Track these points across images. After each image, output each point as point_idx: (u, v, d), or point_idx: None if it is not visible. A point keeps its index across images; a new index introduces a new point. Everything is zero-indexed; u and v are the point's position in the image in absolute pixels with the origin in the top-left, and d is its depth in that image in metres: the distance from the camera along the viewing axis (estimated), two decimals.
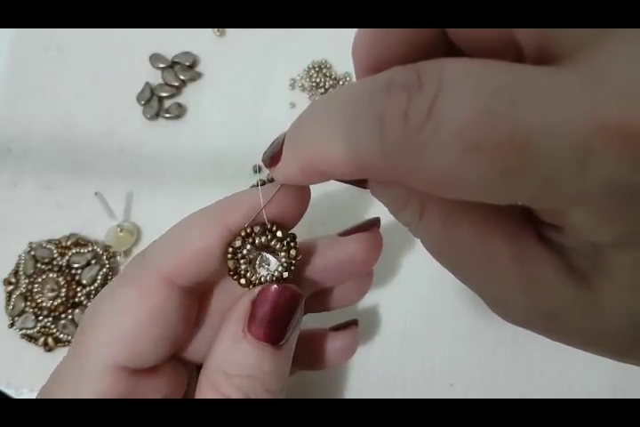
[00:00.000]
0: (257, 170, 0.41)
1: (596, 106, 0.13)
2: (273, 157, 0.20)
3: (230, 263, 0.23)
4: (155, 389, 0.23)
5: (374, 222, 0.26)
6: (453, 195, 0.15)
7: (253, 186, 0.41)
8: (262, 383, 0.22)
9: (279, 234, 0.22)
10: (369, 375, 0.36)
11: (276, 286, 0.22)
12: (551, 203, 0.14)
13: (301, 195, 0.23)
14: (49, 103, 0.44)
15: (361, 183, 0.20)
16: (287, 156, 0.19)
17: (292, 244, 0.23)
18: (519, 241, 0.17)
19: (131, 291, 0.23)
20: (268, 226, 0.22)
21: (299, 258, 0.23)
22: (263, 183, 0.40)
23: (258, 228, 0.22)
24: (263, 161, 0.21)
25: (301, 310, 0.23)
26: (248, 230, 0.22)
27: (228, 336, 0.22)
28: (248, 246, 0.22)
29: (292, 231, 0.23)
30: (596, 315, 0.16)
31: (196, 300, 0.25)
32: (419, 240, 0.19)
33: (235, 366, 0.22)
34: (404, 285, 0.38)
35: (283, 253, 0.23)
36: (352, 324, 0.30)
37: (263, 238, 0.22)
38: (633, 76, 0.13)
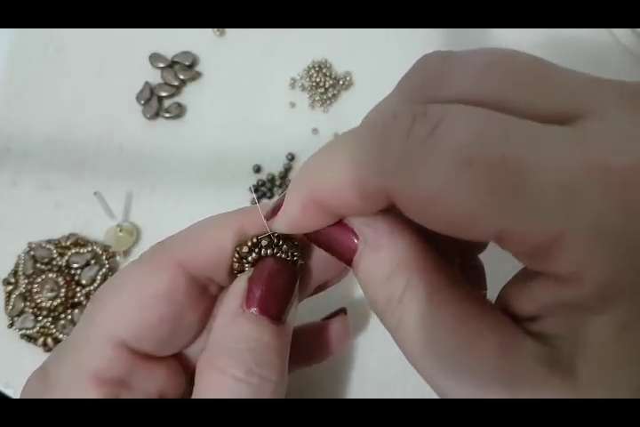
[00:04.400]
0: (257, 170, 0.41)
1: (583, 149, 0.14)
2: (275, 207, 0.21)
3: (236, 265, 0.24)
4: (153, 378, 0.23)
5: None
6: (441, 219, 0.15)
7: (252, 186, 0.41)
8: (265, 356, 0.21)
9: (285, 248, 0.23)
10: (369, 375, 0.36)
11: (272, 262, 0.23)
12: (536, 234, 0.15)
13: None
14: (49, 103, 0.44)
15: (346, 260, 0.21)
16: (290, 196, 0.20)
17: (295, 254, 0.24)
18: (504, 330, 0.17)
19: (143, 268, 0.24)
20: (275, 240, 0.23)
21: (301, 263, 0.24)
22: (262, 184, 0.41)
23: (265, 240, 0.23)
24: (265, 217, 0.22)
25: (297, 289, 0.23)
26: (254, 240, 0.23)
27: (225, 314, 0.22)
28: (254, 255, 0.23)
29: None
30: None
31: (208, 299, 0.25)
32: None
33: (235, 340, 0.22)
34: None
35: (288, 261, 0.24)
36: (340, 311, 0.31)
37: (269, 251, 0.23)
38: (615, 135, 0.15)
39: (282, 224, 0.21)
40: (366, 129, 0.17)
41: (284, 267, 0.23)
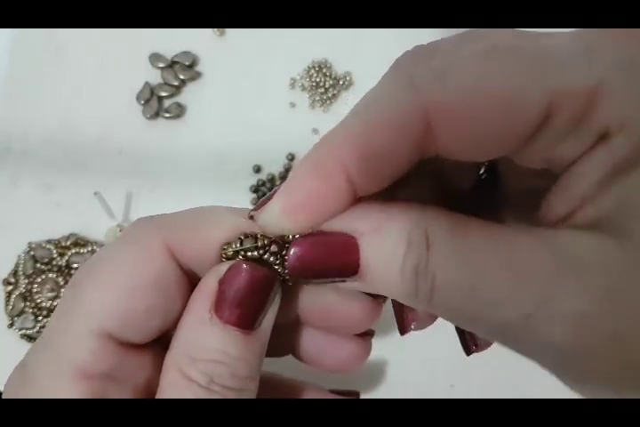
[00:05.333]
0: (257, 170, 0.41)
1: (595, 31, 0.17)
2: (267, 198, 0.20)
3: None
4: (140, 369, 0.22)
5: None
6: (492, 108, 0.16)
7: (252, 186, 0.41)
8: (229, 369, 0.20)
9: (273, 249, 0.22)
10: (369, 375, 0.36)
11: (244, 265, 0.21)
12: (579, 87, 0.16)
13: None
14: (48, 103, 0.44)
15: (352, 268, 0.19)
16: (299, 171, 0.19)
17: (286, 257, 0.22)
18: (539, 230, 0.17)
19: (134, 251, 0.22)
20: (259, 244, 0.22)
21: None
22: (262, 184, 0.41)
23: (248, 242, 0.22)
24: (253, 210, 0.21)
25: (277, 294, 0.22)
26: (237, 245, 0.22)
27: (193, 317, 0.21)
28: (240, 257, 0.22)
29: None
30: None
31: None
32: None
33: (199, 349, 0.21)
34: None
35: (277, 266, 0.22)
36: (353, 394, 0.29)
37: (255, 253, 0.22)
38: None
39: (268, 217, 0.20)
40: (385, 79, 0.18)
41: (259, 271, 0.21)
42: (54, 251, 0.39)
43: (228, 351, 0.21)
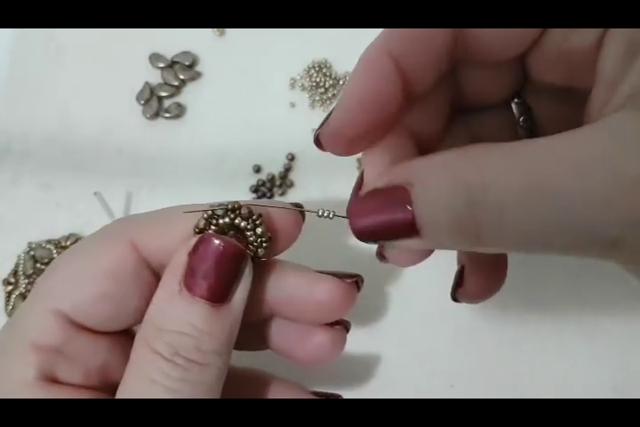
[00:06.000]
0: (257, 170, 0.41)
1: None
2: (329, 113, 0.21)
3: None
4: (94, 351, 0.23)
5: (357, 278, 0.25)
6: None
7: (252, 186, 0.41)
8: (195, 342, 0.21)
9: (243, 211, 0.22)
10: (369, 375, 0.36)
11: (213, 238, 0.21)
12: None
13: (295, 223, 0.24)
14: (48, 103, 0.44)
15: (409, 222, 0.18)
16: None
17: (257, 222, 0.23)
18: (594, 121, 0.18)
19: (97, 245, 0.24)
20: (229, 206, 0.22)
21: (268, 235, 0.23)
22: (262, 184, 0.41)
23: (220, 211, 0.23)
24: (317, 129, 0.22)
25: (248, 267, 0.22)
26: (209, 213, 0.23)
27: (163, 290, 0.22)
28: (213, 227, 0.23)
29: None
30: None
31: (158, 282, 0.24)
32: None
33: (166, 320, 0.21)
34: (403, 284, 0.38)
35: (250, 233, 0.23)
36: (334, 396, 0.28)
37: (226, 219, 0.23)
38: None
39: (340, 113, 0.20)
40: None
41: (227, 243, 0.21)
42: (54, 251, 0.39)
43: (194, 324, 0.21)
